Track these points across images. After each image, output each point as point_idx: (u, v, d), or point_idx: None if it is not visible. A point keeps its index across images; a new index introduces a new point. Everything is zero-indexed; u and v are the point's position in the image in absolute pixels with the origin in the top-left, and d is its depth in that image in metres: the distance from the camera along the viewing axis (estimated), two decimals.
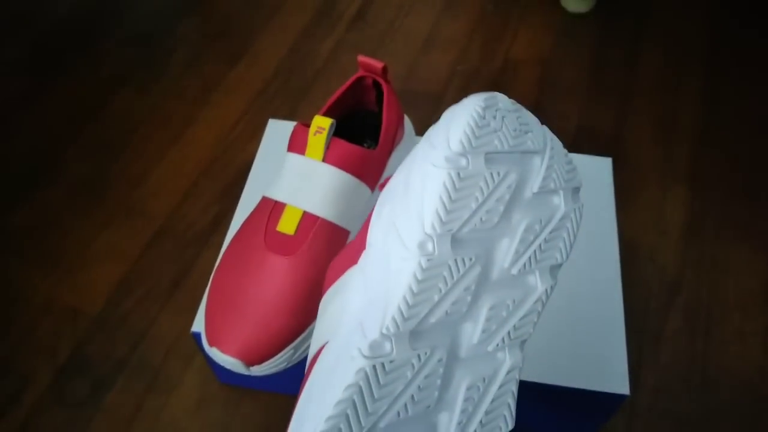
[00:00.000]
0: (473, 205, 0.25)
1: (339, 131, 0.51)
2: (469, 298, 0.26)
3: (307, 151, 0.42)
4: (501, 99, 0.27)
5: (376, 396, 0.23)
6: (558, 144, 0.30)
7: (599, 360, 0.44)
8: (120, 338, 0.55)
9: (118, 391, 0.52)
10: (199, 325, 0.45)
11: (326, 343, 0.27)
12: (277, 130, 0.57)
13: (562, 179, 0.29)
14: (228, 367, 0.39)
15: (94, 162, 0.68)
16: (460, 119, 0.26)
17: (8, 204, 0.65)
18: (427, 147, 0.26)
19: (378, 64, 0.46)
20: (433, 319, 0.25)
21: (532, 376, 0.43)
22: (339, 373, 0.24)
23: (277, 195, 0.42)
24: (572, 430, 0.50)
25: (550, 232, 0.28)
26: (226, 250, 0.43)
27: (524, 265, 0.27)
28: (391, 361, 0.24)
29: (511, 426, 0.27)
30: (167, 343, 0.55)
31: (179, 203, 0.65)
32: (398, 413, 0.24)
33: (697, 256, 0.62)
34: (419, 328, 0.25)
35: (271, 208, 0.42)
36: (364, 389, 0.23)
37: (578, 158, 0.56)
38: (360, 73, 0.48)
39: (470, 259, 0.26)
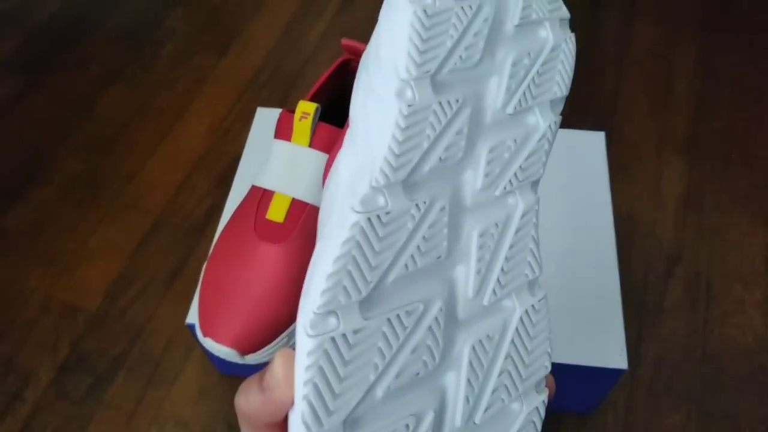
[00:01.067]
0: (449, 43, 0.24)
1: (328, 117, 0.51)
2: (463, 143, 0.25)
3: (293, 137, 0.41)
4: None
5: (376, 249, 0.22)
6: None
7: (597, 335, 0.44)
8: (119, 332, 0.55)
9: (119, 385, 0.52)
10: (193, 316, 0.45)
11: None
12: (266, 119, 0.56)
13: (545, 9, 0.27)
14: (223, 356, 0.39)
15: (87, 158, 0.68)
16: None
17: (2, 204, 0.65)
18: None
19: (362, 47, 0.45)
20: (426, 168, 0.24)
21: None
22: (335, 236, 0.23)
23: (266, 183, 0.42)
24: (572, 406, 0.50)
25: (542, 65, 0.27)
26: (218, 241, 0.43)
27: (519, 102, 0.26)
28: (387, 213, 0.23)
29: (538, 273, 0.26)
30: (166, 336, 0.55)
31: (173, 196, 0.64)
32: (406, 265, 0.23)
33: (696, 227, 0.62)
34: (413, 179, 0.24)
35: (260, 197, 0.42)
36: (362, 243, 0.22)
37: (570, 134, 0.55)
38: (344, 56, 0.47)
39: (457, 101, 0.24)
